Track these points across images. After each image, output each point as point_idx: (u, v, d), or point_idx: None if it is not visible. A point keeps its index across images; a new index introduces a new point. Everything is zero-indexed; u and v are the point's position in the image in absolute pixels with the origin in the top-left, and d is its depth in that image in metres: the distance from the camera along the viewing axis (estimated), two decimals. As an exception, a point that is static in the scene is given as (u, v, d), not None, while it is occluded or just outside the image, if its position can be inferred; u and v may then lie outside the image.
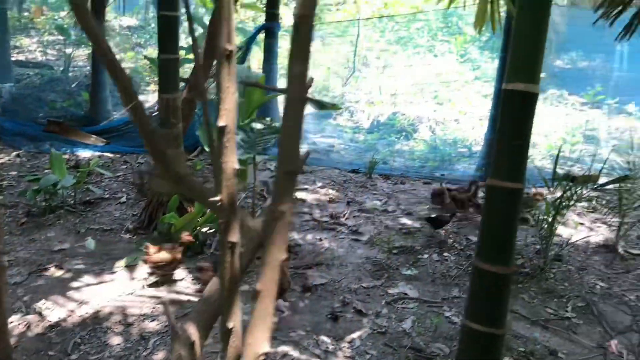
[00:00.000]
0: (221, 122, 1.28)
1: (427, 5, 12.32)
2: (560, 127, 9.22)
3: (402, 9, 13.64)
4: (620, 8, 2.55)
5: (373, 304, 4.01)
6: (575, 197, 4.68)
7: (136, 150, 7.05)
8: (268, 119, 5.25)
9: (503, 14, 5.83)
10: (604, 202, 5.54)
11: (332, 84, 10.16)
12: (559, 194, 4.69)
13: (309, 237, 5.07)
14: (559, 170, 7.16)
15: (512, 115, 2.08)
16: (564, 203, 4.63)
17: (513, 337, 3.68)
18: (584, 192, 4.68)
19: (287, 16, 13.56)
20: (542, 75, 7.22)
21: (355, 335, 3.62)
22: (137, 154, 7.09)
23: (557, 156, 4.69)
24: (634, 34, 2.58)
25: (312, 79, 4.26)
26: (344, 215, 5.55)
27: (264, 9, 7.57)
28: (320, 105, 5.19)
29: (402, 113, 8.94)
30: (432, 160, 7.51)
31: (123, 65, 9.76)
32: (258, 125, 4.83)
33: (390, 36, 12.60)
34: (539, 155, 7.92)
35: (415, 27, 12.90)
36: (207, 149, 4.81)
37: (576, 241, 5.22)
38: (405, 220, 5.59)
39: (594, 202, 6.26)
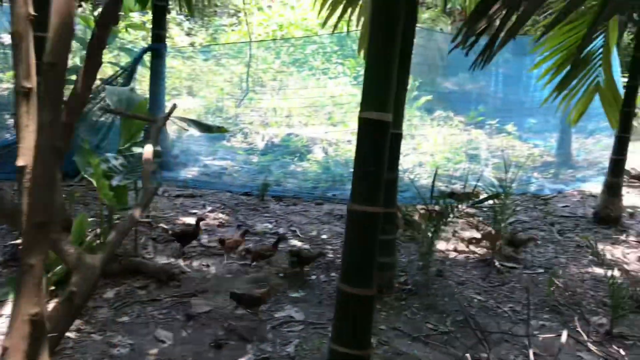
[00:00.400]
0: (20, 162, 1.20)
1: (321, 28, 12.58)
2: (445, 147, 9.66)
3: (297, 32, 13.85)
4: (473, 39, 2.72)
5: (258, 329, 3.97)
6: (453, 214, 4.90)
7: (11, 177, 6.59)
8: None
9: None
10: (480, 218, 5.86)
11: (226, 105, 10.09)
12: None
13: (195, 263, 4.96)
14: (444, 188, 7.53)
15: (367, 143, 2.15)
16: (442, 220, 4.83)
17: (395, 354, 3.77)
18: (461, 208, 4.91)
19: (178, 37, 13.39)
20: (429, 97, 7.53)
21: (238, 363, 3.56)
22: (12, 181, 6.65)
23: (435, 175, 4.91)
24: (488, 61, 2.74)
25: (175, 105, 4.18)
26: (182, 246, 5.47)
27: (150, 29, 7.40)
28: (206, 128, 5.14)
29: (297, 134, 9.03)
30: (325, 181, 7.62)
31: (1, 85, 9.16)
32: (138, 150, 4.69)
33: (285, 58, 12.73)
34: (425, 174, 8.24)
35: (310, 49, 13.12)
36: (84, 175, 4.60)
37: (455, 256, 5.47)
38: (295, 242, 5.61)
39: (473, 218, 6.62)
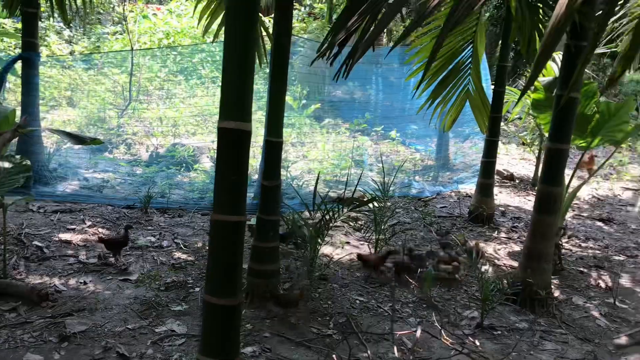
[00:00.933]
0: None
1: (202, 36, 12.43)
2: (334, 153, 9.90)
3: (184, 40, 13.60)
4: (336, 50, 2.82)
5: (138, 345, 3.86)
6: (335, 219, 5.04)
7: None
8: (18, 156, 4.85)
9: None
10: (361, 222, 6.05)
11: (108, 115, 9.71)
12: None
13: (72, 281, 4.73)
14: (332, 194, 7.70)
15: (227, 153, 2.17)
16: (326, 225, 4.95)
17: (276, 360, 3.81)
18: (342, 213, 5.05)
19: (58, 45, 12.74)
20: (318, 105, 7.64)
21: (115, 382, 3.45)
22: None
23: (317, 181, 5.02)
24: (348, 71, 2.85)
25: (26, 118, 4.00)
26: (113, 255, 5.28)
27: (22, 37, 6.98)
28: (79, 139, 4.93)
29: (183, 144, 8.86)
30: (212, 191, 7.50)
31: None
32: (5, 164, 4.43)
33: (172, 66, 12.47)
34: (313, 180, 8.37)
35: (199, 57, 12.93)
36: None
37: (339, 259, 5.61)
38: (180, 255, 5.51)
39: (359, 222, 6.82)
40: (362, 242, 6.23)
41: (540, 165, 9.91)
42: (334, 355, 3.43)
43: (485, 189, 7.48)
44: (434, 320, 4.51)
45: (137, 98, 10.34)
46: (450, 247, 5.76)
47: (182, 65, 12.61)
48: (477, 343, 4.22)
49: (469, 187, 9.24)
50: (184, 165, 8.25)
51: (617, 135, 5.77)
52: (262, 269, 4.56)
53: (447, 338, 4.17)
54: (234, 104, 2.15)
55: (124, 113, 9.61)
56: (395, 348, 3.49)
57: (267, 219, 4.49)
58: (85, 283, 4.72)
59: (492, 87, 7.76)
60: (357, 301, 4.87)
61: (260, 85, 11.76)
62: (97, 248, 5.43)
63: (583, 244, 7.02)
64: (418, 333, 3.20)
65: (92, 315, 4.21)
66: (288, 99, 10.73)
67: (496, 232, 7.15)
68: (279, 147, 4.46)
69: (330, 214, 4.90)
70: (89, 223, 6.07)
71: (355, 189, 5.46)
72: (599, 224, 8.08)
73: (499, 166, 10.05)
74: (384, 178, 5.86)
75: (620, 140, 5.93)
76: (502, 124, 8.18)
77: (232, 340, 2.24)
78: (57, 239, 5.58)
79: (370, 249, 5.69)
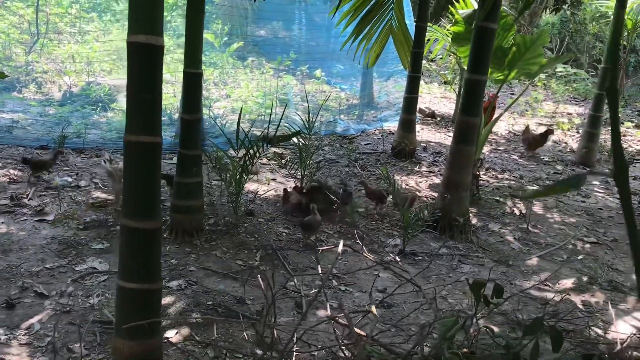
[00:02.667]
0: None
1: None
2: (258, 93, 9.73)
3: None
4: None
5: (57, 284, 3.75)
6: (260, 154, 4.99)
7: None
8: None
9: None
10: (286, 159, 6.04)
11: (15, 52, 9.05)
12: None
13: (-17, 223, 4.49)
14: (257, 132, 7.61)
15: (139, 69, 2.06)
16: (250, 160, 4.90)
17: (203, 292, 3.80)
18: (266, 149, 5.00)
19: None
20: (241, 43, 7.38)
21: (34, 320, 3.34)
22: None
23: (239, 118, 4.92)
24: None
25: None
26: (27, 195, 5.04)
27: None
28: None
29: (98, 83, 8.42)
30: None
31: None
32: None
33: (84, 2, 11.73)
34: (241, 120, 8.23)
35: (112, -8, 12.22)
36: None
37: (264, 194, 5.61)
38: (99, 194, 5.33)
39: (284, 160, 6.81)
40: (288, 179, 6.23)
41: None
42: (260, 280, 3.45)
43: (407, 124, 7.61)
44: (359, 250, 4.63)
45: (46, 34, 9.67)
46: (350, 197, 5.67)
47: (94, 1, 11.88)
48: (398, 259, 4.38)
49: (392, 125, 9.38)
50: (100, 104, 7.87)
51: (532, 68, 5.97)
52: (185, 204, 4.48)
53: (369, 255, 4.30)
54: (144, 15, 2.02)
55: (31, 50, 8.98)
56: (319, 267, 3.56)
57: (188, 154, 4.38)
58: (-3, 225, 4.50)
59: (415, 22, 7.79)
60: (284, 234, 4.90)
61: (180, 23, 11.31)
62: (9, 189, 5.16)
63: (500, 176, 7.33)
64: (340, 248, 3.28)
65: (5, 256, 4.02)
66: (209, 35, 10.37)
67: (418, 167, 7.34)
68: (198, 79, 4.32)
69: (254, 149, 4.84)
70: (-2, 165, 5.74)
71: (278, 126, 5.40)
72: (514, 157, 8.45)
73: (421, 104, 10.24)
74: (309, 115, 5.82)
75: (535, 73, 6.15)
76: (424, 62, 8.26)
77: (153, 264, 2.20)
78: (-37, 182, 5.25)
79: (296, 184, 5.71)
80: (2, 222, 4.53)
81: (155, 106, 2.12)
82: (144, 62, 2.05)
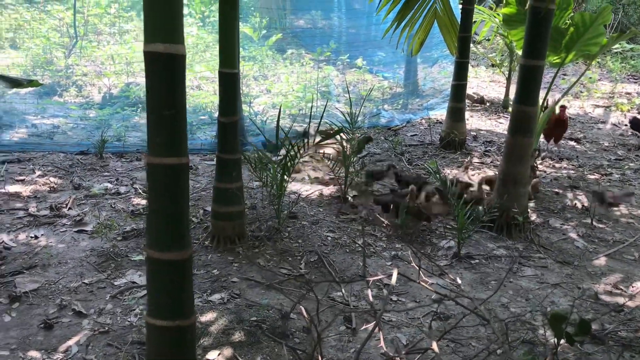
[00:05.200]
0: None
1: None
2: (298, 86, 9.47)
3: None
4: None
5: (96, 301, 3.60)
6: (301, 154, 4.73)
7: None
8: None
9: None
10: (330, 155, 5.76)
11: (55, 56, 9.05)
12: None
13: (22, 236, 4.39)
14: (298, 128, 7.37)
15: (158, 82, 1.82)
16: (291, 160, 4.64)
17: (246, 306, 3.59)
18: (308, 148, 4.73)
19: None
20: (280, 35, 7.16)
21: (71, 342, 3.19)
22: None
23: (279, 116, 4.67)
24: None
25: None
26: (67, 205, 4.94)
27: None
28: (14, 82, 4.46)
29: (137, 83, 8.33)
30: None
31: None
32: None
33: (123, 1, 11.69)
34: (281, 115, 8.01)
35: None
36: None
37: (307, 196, 5.36)
38: (139, 201, 5.19)
39: (327, 156, 6.54)
40: (331, 177, 5.95)
41: (511, 87, 9.72)
42: (304, 313, 3.21)
43: (456, 113, 7.24)
44: (409, 254, 4.34)
45: (85, 36, 9.65)
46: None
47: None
48: (459, 281, 4.06)
49: (440, 113, 8.99)
50: (140, 105, 7.77)
51: (592, 49, 5.51)
52: (225, 210, 4.28)
53: (425, 280, 3.98)
54: (162, 21, 1.77)
55: (71, 53, 8.96)
56: (369, 289, 3.28)
57: (227, 158, 4.17)
58: (36, 237, 4.39)
59: (460, 5, 7.37)
60: (329, 238, 4.65)
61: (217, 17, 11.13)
62: (49, 199, 5.07)
63: (557, 165, 6.88)
64: (394, 280, 2.99)
65: (44, 271, 3.91)
66: (247, 29, 10.18)
67: (469, 158, 6.95)
68: (234, 79, 4.09)
69: (296, 149, 4.59)
70: (39, 172, 5.67)
71: (320, 122, 5.14)
72: (572, 143, 7.95)
73: (468, 90, 9.77)
74: (350, 108, 5.53)
75: (595, 54, 5.68)
76: (471, 45, 7.84)
77: (185, 297, 1.97)
78: (4, 191, 5.19)
79: (339, 184, 5.44)
80: (42, 235, 4.43)
81: (179, 123, 1.87)
82: (163, 75, 1.81)
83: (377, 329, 2.81)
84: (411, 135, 7.94)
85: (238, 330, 3.32)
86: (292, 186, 5.54)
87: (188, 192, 1.97)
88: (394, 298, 3.77)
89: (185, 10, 11.97)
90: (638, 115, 8.63)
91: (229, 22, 3.89)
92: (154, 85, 1.82)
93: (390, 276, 3.99)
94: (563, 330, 2.01)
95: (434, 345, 2.28)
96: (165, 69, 1.79)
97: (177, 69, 1.80)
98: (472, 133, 8.05)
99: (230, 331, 3.31)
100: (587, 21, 5.32)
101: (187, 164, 1.93)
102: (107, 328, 3.31)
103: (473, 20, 7.57)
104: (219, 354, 3.10)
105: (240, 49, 6.21)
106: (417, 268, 3.45)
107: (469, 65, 7.93)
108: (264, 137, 5.50)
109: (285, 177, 4.61)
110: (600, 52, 6.02)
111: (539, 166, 6.48)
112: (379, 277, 3.88)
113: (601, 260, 4.47)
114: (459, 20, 7.00)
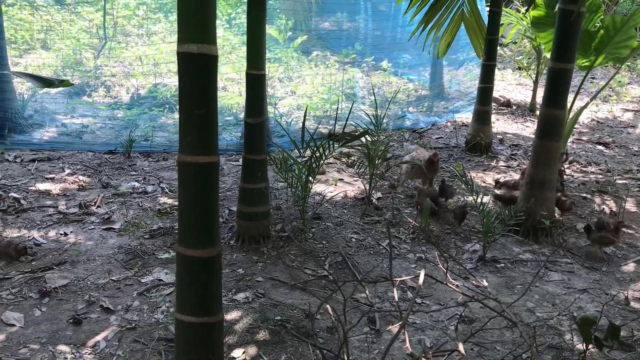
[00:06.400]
0: None
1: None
2: (323, 88, 9.49)
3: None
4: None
5: (123, 297, 3.66)
6: (326, 155, 4.73)
7: None
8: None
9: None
10: (354, 157, 5.76)
11: (85, 57, 9.21)
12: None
13: (52, 233, 4.48)
14: (323, 130, 7.38)
15: (191, 82, 1.85)
16: (316, 162, 4.66)
17: (270, 306, 3.61)
18: (333, 149, 4.74)
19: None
20: (305, 37, 7.19)
21: (100, 337, 3.25)
22: None
23: (304, 117, 4.69)
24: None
25: None
26: (95, 203, 5.02)
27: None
28: (46, 82, 4.55)
29: (165, 84, 8.44)
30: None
31: None
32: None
33: (151, 3, 11.85)
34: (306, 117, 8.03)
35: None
36: None
37: (332, 197, 5.37)
38: (165, 200, 5.25)
39: (351, 158, 6.55)
40: (355, 179, 5.96)
41: (538, 90, 9.61)
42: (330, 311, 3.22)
43: (482, 116, 7.18)
44: (434, 256, 4.33)
45: (114, 37, 9.81)
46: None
47: (161, 1, 11.99)
48: (485, 283, 4.03)
49: (465, 116, 8.93)
50: (167, 106, 7.87)
51: (622, 52, 5.43)
52: (251, 211, 4.31)
53: (452, 281, 3.96)
54: (195, 23, 1.81)
55: (100, 54, 9.11)
56: (395, 290, 3.28)
57: (253, 159, 4.20)
58: (65, 234, 4.48)
59: (487, 7, 7.32)
60: (353, 239, 4.65)
61: (245, 20, 11.22)
62: (78, 197, 5.17)
63: (585, 169, 6.78)
64: (421, 280, 2.98)
65: (73, 268, 3.98)
66: (273, 31, 10.23)
67: (495, 161, 6.90)
68: (261, 81, 4.12)
69: (321, 150, 4.60)
70: (68, 171, 5.78)
71: (346, 123, 5.15)
72: (600, 147, 7.84)
73: (494, 93, 9.68)
74: (376, 110, 5.53)
75: (625, 58, 5.59)
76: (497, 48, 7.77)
77: (213, 295, 2.00)
78: (35, 189, 5.29)
79: (364, 185, 5.44)
80: (72, 232, 4.51)
81: (211, 122, 1.90)
82: (196, 75, 1.84)
83: (402, 330, 2.81)
84: (436, 138, 7.90)
85: (263, 329, 3.34)
86: (317, 187, 5.56)
87: (218, 190, 2.00)
88: (418, 300, 3.76)
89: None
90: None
91: (257, 25, 3.93)
92: (187, 84, 1.85)
93: (415, 278, 3.99)
94: (592, 335, 1.99)
95: (460, 347, 2.27)
96: (198, 69, 1.82)
97: (209, 69, 1.83)
98: (498, 136, 7.98)
99: (254, 330, 3.33)
100: (618, 24, 5.24)
101: (217, 162, 1.96)
102: (134, 324, 3.36)
103: (500, 22, 7.52)
104: (243, 352, 3.12)
105: (266, 51, 6.26)
106: (444, 270, 3.44)
107: (496, 68, 7.86)
108: (289, 138, 5.53)
109: (310, 178, 4.63)
110: (631, 55, 5.93)
111: (566, 170, 6.40)
112: (405, 278, 3.88)
113: (630, 266, 4.40)
114: (486, 22, 6.96)
